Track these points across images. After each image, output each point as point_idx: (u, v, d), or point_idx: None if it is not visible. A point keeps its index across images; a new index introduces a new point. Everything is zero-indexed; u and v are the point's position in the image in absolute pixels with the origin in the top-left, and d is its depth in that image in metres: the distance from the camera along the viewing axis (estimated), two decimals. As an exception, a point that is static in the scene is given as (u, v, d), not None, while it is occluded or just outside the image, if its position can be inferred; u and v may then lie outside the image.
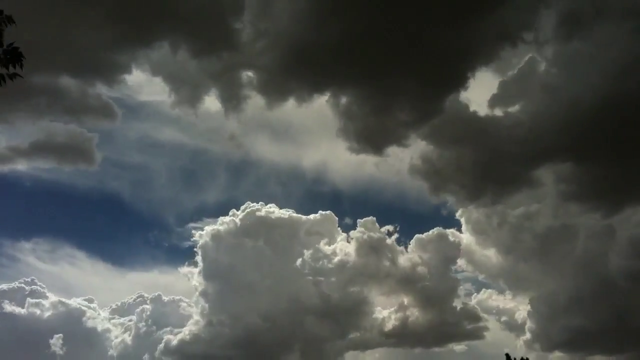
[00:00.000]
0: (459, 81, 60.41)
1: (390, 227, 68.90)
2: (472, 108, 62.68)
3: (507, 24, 56.57)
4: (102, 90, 66.04)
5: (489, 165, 62.89)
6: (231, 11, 56.57)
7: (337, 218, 67.38)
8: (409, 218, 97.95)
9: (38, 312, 65.93)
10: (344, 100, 63.40)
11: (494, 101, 62.29)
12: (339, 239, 65.58)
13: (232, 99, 66.47)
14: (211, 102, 77.71)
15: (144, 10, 55.85)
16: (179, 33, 58.77)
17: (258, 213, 65.07)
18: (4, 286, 68.09)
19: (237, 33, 58.01)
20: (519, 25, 57.67)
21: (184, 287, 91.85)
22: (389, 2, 54.52)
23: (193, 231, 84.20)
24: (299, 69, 61.02)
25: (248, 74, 63.38)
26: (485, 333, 66.81)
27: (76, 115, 66.90)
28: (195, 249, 65.00)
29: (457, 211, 69.16)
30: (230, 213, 65.43)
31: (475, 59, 59.46)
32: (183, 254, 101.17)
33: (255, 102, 68.62)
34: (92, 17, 54.46)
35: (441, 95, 61.28)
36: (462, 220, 68.54)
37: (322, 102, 66.77)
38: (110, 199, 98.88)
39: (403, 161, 72.07)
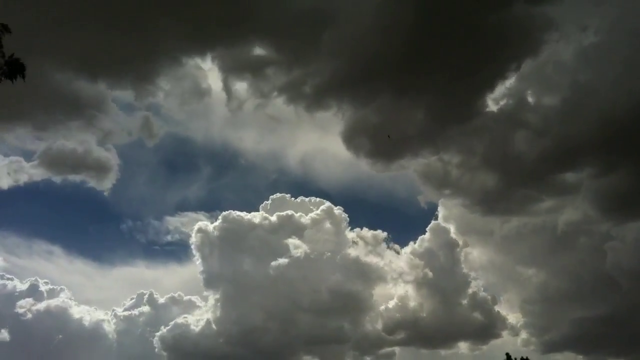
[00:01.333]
0: (490, 84, 60.43)
1: (391, 229, 68.48)
2: (496, 113, 62.41)
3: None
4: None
5: (507, 173, 62.57)
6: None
7: (345, 215, 66.02)
8: (411, 221, 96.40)
9: (32, 310, 64.62)
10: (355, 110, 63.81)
11: (517, 106, 61.71)
12: (344, 240, 64.71)
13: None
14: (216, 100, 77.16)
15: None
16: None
17: (258, 212, 64.58)
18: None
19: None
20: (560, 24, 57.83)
21: (175, 283, 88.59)
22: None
23: (175, 226, 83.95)
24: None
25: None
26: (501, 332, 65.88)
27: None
28: (182, 244, 63.49)
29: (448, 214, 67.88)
30: (231, 213, 64.53)
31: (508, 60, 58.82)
32: (168, 249, 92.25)
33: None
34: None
35: (470, 99, 61.08)
36: (449, 221, 67.38)
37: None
38: (86, 193, 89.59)
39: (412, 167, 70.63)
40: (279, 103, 69.87)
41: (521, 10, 55.68)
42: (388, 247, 68.83)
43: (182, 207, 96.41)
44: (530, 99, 62.98)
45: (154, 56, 61.16)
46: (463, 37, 56.24)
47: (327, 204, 65.79)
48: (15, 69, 10.85)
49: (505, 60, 58.39)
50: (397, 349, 65.29)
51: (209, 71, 70.64)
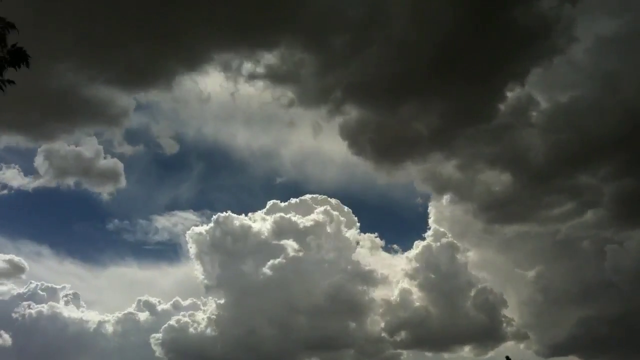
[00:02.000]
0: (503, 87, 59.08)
1: (391, 232, 68.12)
2: (513, 114, 61.11)
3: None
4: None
5: (519, 176, 62.02)
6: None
7: (354, 217, 65.22)
8: (412, 223, 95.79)
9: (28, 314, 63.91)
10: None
11: (529, 107, 60.65)
12: (346, 241, 64.07)
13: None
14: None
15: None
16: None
17: (257, 214, 64.25)
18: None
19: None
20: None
21: (170, 284, 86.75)
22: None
23: (164, 225, 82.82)
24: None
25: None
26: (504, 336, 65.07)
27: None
28: (172, 243, 62.76)
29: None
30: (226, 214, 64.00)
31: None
32: (159, 249, 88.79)
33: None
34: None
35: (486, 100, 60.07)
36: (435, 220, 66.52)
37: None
38: (78, 194, 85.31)
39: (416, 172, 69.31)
40: (297, 108, 69.32)
41: (546, 9, 55.39)
42: (387, 250, 68.96)
43: (172, 206, 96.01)
44: (545, 99, 62.39)
45: (172, 60, 60.88)
46: (484, 37, 56.05)
47: (329, 203, 64.96)
48: (18, 58, 10.91)
49: (527, 60, 58.11)
50: (403, 352, 64.84)
51: (226, 75, 69.15)
